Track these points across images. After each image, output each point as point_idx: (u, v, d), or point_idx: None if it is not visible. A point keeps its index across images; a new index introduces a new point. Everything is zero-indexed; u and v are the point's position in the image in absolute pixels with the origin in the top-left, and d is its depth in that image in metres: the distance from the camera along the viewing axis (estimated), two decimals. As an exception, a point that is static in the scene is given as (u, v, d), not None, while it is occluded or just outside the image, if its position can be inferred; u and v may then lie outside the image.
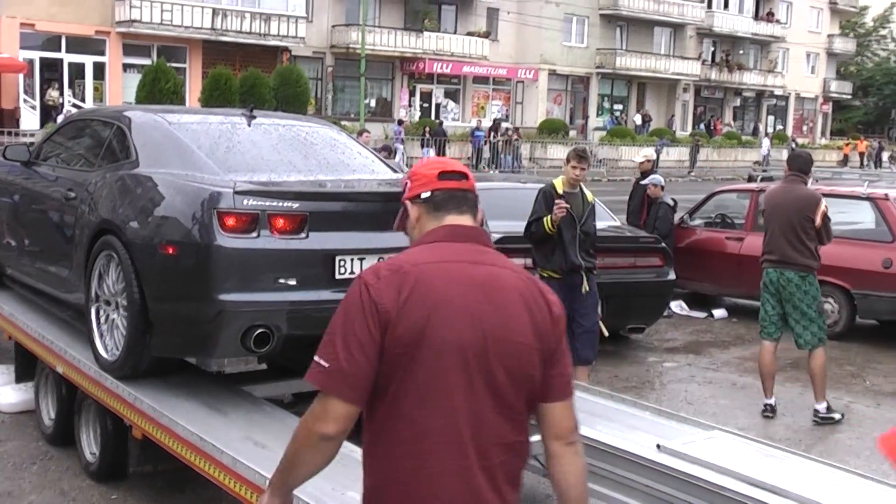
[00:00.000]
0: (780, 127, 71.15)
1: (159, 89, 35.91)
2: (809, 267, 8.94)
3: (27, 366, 8.23)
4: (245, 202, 5.72)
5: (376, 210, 6.20)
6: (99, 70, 41.53)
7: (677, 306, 13.85)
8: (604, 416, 6.21)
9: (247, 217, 5.72)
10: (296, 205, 5.83)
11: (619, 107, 61.14)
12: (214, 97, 36.95)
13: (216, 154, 6.54)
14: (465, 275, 3.05)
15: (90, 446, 7.01)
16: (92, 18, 40.37)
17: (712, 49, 66.48)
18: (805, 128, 74.99)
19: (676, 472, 5.29)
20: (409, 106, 51.58)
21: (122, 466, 6.72)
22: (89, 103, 40.17)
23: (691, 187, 38.31)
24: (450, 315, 2.96)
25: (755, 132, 68.01)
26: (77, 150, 8.26)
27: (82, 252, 6.84)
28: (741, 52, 67.54)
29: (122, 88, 40.94)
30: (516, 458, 3.08)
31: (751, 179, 21.31)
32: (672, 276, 11.17)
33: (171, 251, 5.87)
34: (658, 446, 5.54)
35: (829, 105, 78.42)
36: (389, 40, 48.86)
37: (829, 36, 75.41)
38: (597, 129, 56.68)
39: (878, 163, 61.49)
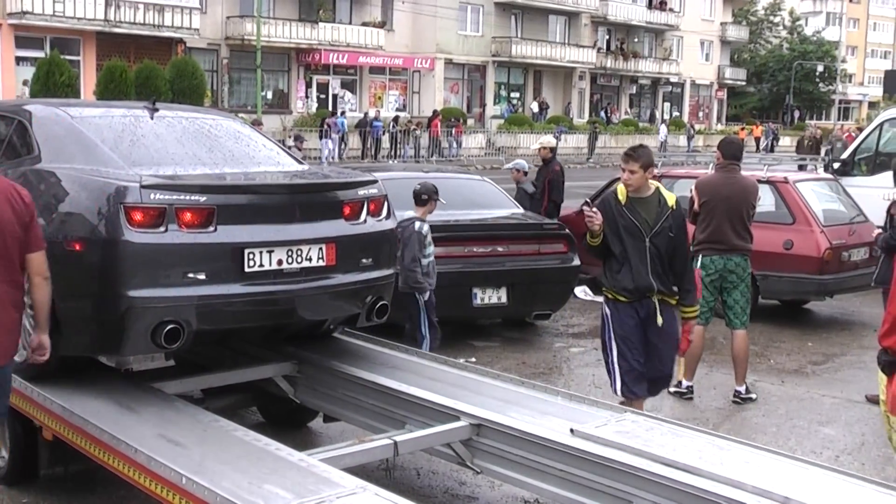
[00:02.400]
0: (676, 114, 72.17)
1: (53, 82, 35.15)
2: (750, 250, 9.29)
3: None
4: (152, 196, 5.67)
5: (284, 202, 6.19)
6: (-10, 63, 40.52)
7: (581, 291, 13.98)
8: (515, 403, 6.26)
9: (154, 211, 5.67)
10: (203, 198, 5.80)
11: (515, 95, 61.44)
12: (110, 90, 36.20)
13: (120, 148, 6.46)
14: None
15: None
16: (-19, 10, 39.40)
17: (607, 37, 67.21)
18: (701, 114, 76.19)
19: (591, 456, 5.38)
20: (306, 97, 51.25)
21: (32, 469, 6.59)
22: (-20, 98, 39.22)
23: (590, 174, 38.94)
24: None
25: (652, 119, 68.95)
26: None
27: None
28: (636, 40, 68.41)
29: (14, 82, 40.00)
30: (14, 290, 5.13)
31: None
32: (576, 261, 11.29)
33: (77, 248, 5.80)
34: (571, 430, 5.62)
35: (724, 91, 79.84)
36: (285, 31, 48.45)
37: (723, 24, 76.71)
38: (494, 117, 56.88)
39: (772, 148, 62.74)
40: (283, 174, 6.87)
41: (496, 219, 11.53)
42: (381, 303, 6.75)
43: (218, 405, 6.87)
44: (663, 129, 58.24)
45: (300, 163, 7.33)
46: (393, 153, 43.81)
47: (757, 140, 64.86)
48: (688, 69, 72.60)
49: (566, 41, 62.46)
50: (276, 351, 7.10)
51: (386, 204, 6.84)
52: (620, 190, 7.13)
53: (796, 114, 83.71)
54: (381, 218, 6.76)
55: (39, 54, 39.35)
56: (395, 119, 46.47)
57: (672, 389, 9.36)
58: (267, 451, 5.21)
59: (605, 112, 64.81)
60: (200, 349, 6.98)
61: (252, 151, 7.13)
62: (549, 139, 16.73)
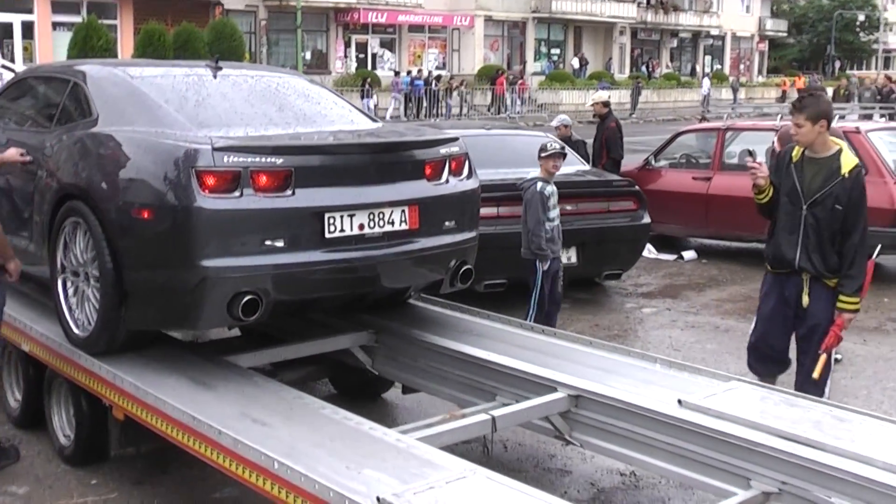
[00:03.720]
0: (717, 67, 71.14)
1: (91, 47, 34.92)
2: None
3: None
4: (225, 159, 5.27)
5: (364, 162, 5.79)
6: (27, 29, 40.28)
7: (646, 249, 13.56)
8: (611, 371, 5.88)
9: (228, 175, 5.28)
10: (280, 160, 5.39)
11: (556, 51, 60.73)
12: (148, 53, 35.91)
13: (185, 109, 6.07)
14: None
15: (63, 428, 6.55)
16: (18, -25, 39.12)
17: (648, -9, 66.28)
18: (742, 67, 75.06)
19: (702, 429, 4.99)
20: (345, 57, 50.81)
21: (100, 449, 6.25)
22: (19, 64, 38.97)
23: (634, 129, 38.13)
24: None
25: (693, 73, 67.98)
26: (29, 110, 7.73)
27: (44, 220, 6.35)
28: (676, -8, 67.45)
29: (52, 47, 39.78)
30: None
31: (703, 120, 21.14)
32: (647, 219, 10.89)
33: (145, 215, 5.41)
34: (679, 401, 5.22)
35: (766, 43, 78.58)
36: (324, -10, 47.99)
37: (763, -26, 75.56)
38: (535, 73, 56.20)
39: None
40: (361, 133, 6.45)
41: (564, 176, 11.05)
42: (465, 267, 6.35)
43: (290, 378, 6.51)
44: (706, 82, 57.23)
45: (374, 120, 6.92)
46: (435, 112, 43.22)
47: (800, 91, 63.74)
48: (728, 21, 71.52)
49: (607, -5, 61.62)
50: (351, 320, 6.73)
51: (468, 162, 6.43)
52: (798, 146, 6.28)
53: (837, 64, 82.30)
54: (462, 177, 6.34)
55: (76, 19, 39.10)
56: (437, 77, 45.85)
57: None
58: (360, 431, 4.83)
59: (647, 67, 63.88)
60: (271, 320, 6.60)
61: (324, 109, 6.72)
62: (601, 94, 16.25)
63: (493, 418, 5.29)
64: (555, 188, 8.47)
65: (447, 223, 6.14)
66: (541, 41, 59.76)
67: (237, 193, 5.28)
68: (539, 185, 8.36)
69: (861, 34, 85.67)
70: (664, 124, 43.90)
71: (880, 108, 20.57)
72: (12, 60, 38.85)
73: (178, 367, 5.81)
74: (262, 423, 4.90)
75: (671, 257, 13.56)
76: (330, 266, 5.57)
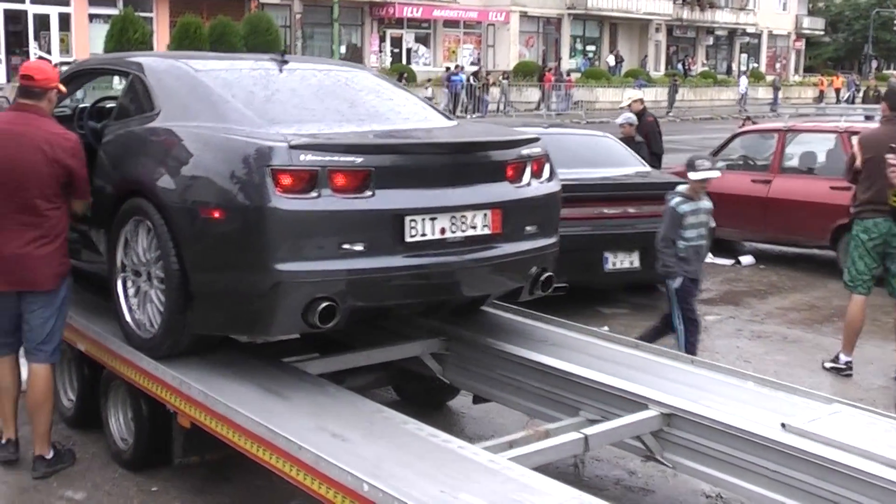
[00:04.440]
0: (753, 65, 70.49)
1: (127, 39, 34.86)
2: None
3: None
4: (302, 157, 4.97)
5: (446, 163, 5.48)
6: (64, 21, 40.26)
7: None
8: (701, 388, 5.56)
9: (305, 174, 4.97)
10: (359, 159, 5.09)
11: (591, 48, 60.33)
12: (184, 46, 35.80)
13: (254, 104, 5.75)
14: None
15: (120, 432, 6.29)
16: (55, -32, 39.06)
17: (683, -13, 65.65)
18: (778, 65, 74.35)
19: (810, 456, 4.66)
20: (380, 52, 50.57)
21: (160, 455, 5.98)
22: (55, 56, 38.94)
23: (671, 128, 37.66)
24: None
25: (728, 71, 67.38)
26: (84, 104, 7.48)
27: (103, 217, 6.08)
28: (712, -11, 66.84)
29: (88, 39, 39.75)
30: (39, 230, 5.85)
31: (748, 120, 20.73)
32: (712, 223, 10.48)
33: (216, 215, 5.11)
34: (783, 425, 4.89)
35: (802, 42, 77.83)
36: (360, -15, 47.73)
37: (800, -29, 74.90)
38: (570, 71, 55.73)
39: (853, 100, 60.95)
40: (440, 131, 6.14)
41: (625, 177, 10.75)
42: (546, 274, 6.04)
43: (355, 385, 6.22)
44: (744, 81, 56.59)
45: (448, 118, 6.59)
46: (474, 108, 42.77)
47: (837, 91, 63.10)
48: (764, 19, 70.87)
49: (643, -8, 61.15)
50: (421, 327, 6.42)
51: (548, 164, 6.12)
52: None
53: (874, 64, 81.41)
54: (543, 179, 6.03)
55: (112, 12, 39.04)
56: (475, 73, 45.43)
57: (828, 365, 8.60)
58: (448, 450, 4.53)
59: (683, 64, 63.32)
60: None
61: (397, 106, 6.40)
62: (635, 92, 15.97)
63: (586, 437, 4.98)
64: (700, 205, 7.86)
65: (529, 228, 5.83)
66: (576, 38, 59.39)
67: (314, 194, 4.98)
68: (675, 200, 7.81)
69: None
70: (701, 123, 43.51)
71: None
72: (49, 52, 38.99)
73: (244, 372, 5.52)
74: (342, 437, 4.61)
75: (728, 262, 13.21)
76: (410, 272, 5.27)
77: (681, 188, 7.93)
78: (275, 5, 45.67)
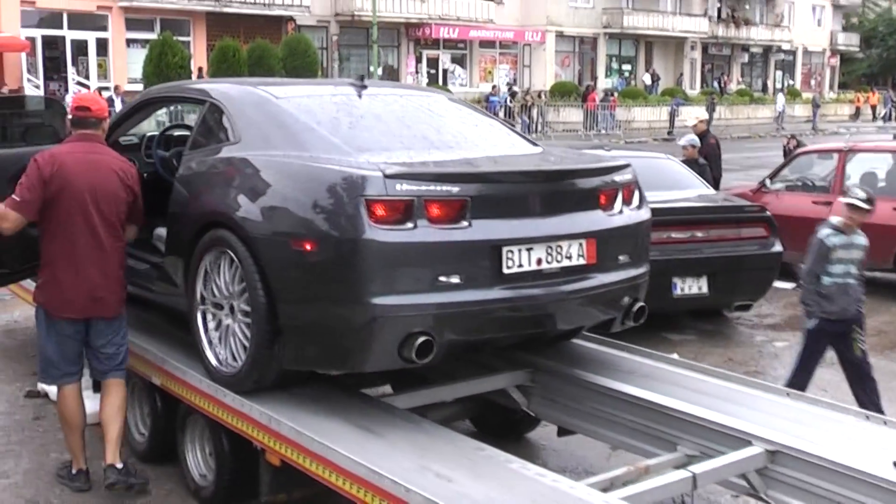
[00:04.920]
0: (789, 82, 70.02)
1: (166, 63, 34.99)
2: None
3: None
4: (398, 187, 4.83)
5: (542, 191, 5.32)
6: (101, 46, 40.35)
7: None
8: (805, 423, 5.39)
9: (400, 205, 4.84)
10: (456, 188, 4.95)
11: (627, 67, 60.05)
12: (222, 70, 35.91)
13: (340, 132, 5.63)
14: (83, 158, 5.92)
15: (199, 467, 6.18)
16: (93, -7, 39.20)
17: (718, 5, 65.19)
18: (813, 82, 73.81)
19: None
20: (416, 73, 50.51)
21: (241, 491, 5.84)
22: (94, 81, 39.14)
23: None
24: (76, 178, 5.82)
25: (764, 89, 66.93)
26: (153, 133, 7.39)
27: (180, 248, 5.96)
28: (747, 6, 66.40)
29: (126, 64, 39.89)
30: (121, 252, 6.12)
31: (793, 139, 20.46)
32: (778, 247, 10.33)
33: (308, 247, 4.97)
34: (895, 464, 4.70)
35: (837, 58, 77.30)
36: (395, 6, 47.60)
37: (835, -13, 74.47)
38: (606, 90, 55.54)
39: (891, 117, 60.42)
40: (531, 158, 6.00)
41: (693, 200, 10.58)
42: (638, 305, 5.88)
43: (438, 417, 6.08)
44: (781, 98, 56.18)
45: (534, 144, 6.44)
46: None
47: (873, 108, 62.63)
48: (799, 36, 70.34)
49: (678, 10, 60.81)
50: (506, 358, 6.27)
51: (638, 190, 5.96)
52: None
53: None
54: (634, 206, 5.87)
55: (150, 36, 39.18)
56: (512, 94, 45.29)
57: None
58: (560, 491, 4.37)
59: (719, 83, 62.97)
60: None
61: (482, 132, 6.27)
62: (701, 112, 15.72)
63: (695, 476, 4.80)
64: (854, 240, 7.38)
65: (622, 257, 5.68)
66: (612, 57, 59.10)
67: (410, 225, 4.85)
68: (825, 231, 7.40)
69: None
70: (739, 142, 43.09)
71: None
72: (87, 77, 39.14)
73: (332, 407, 5.39)
74: (447, 478, 4.46)
75: (789, 286, 12.89)
76: (508, 304, 5.12)
77: (833, 219, 7.43)
78: (311, 27, 45.66)
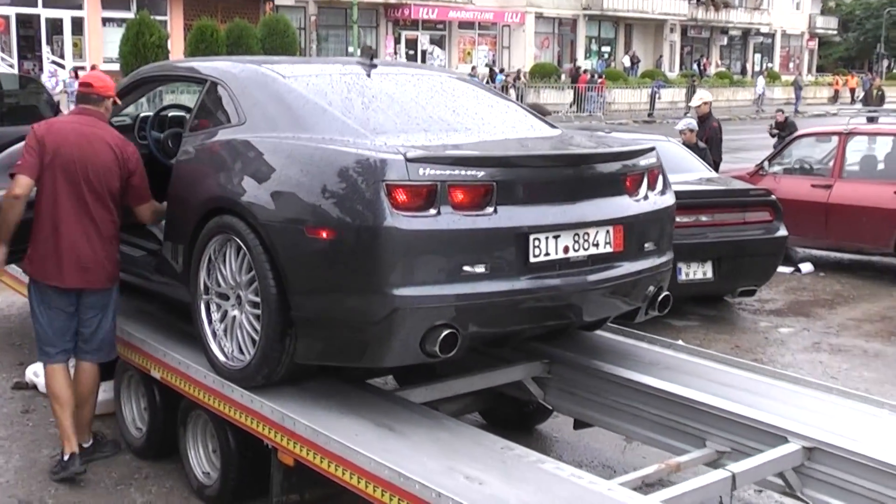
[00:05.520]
0: (768, 65, 69.99)
1: (143, 43, 34.43)
2: None
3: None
4: (421, 171, 4.54)
5: (569, 176, 5.05)
6: (77, 25, 39.85)
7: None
8: (840, 419, 5.14)
9: (423, 190, 4.55)
10: (480, 173, 4.66)
11: (606, 49, 59.86)
12: (200, 50, 35.37)
13: (353, 112, 5.32)
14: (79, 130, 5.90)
15: (201, 465, 5.90)
16: (68, -29, 38.62)
17: (697, -14, 65.25)
18: (791, 65, 73.83)
19: None
20: (395, 54, 50.13)
21: (249, 490, 5.58)
22: (68, 61, 38.62)
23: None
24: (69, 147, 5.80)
25: (743, 72, 66.89)
26: (146, 113, 7.07)
27: (182, 236, 5.65)
28: (726, -12, 66.46)
29: (102, 44, 39.38)
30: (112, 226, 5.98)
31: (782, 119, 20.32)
32: (783, 231, 10.10)
33: (324, 235, 4.67)
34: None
35: (815, 41, 77.36)
36: (374, -14, 47.29)
37: (814, -31, 74.52)
38: (585, 71, 55.27)
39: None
40: (555, 142, 5.73)
41: (697, 184, 10.32)
42: (664, 294, 5.64)
43: (450, 410, 5.85)
44: (761, 81, 56.05)
45: (552, 126, 6.16)
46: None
47: (852, 91, 62.58)
48: (778, 19, 70.41)
49: (657, -8, 60.75)
50: (520, 349, 6.00)
51: (662, 175, 5.71)
52: None
53: (885, 63, 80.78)
54: (658, 192, 5.62)
55: (126, 15, 38.68)
56: (492, 75, 44.94)
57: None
58: (596, 493, 4.12)
59: (699, 65, 62.80)
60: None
61: (500, 114, 5.98)
62: (705, 93, 15.42)
63: (734, 475, 4.55)
64: None
65: (647, 244, 5.43)
66: (591, 38, 58.98)
67: (433, 211, 4.56)
68: None
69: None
70: (721, 124, 42.94)
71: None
72: (62, 57, 38.65)
73: (347, 403, 5.12)
74: (478, 480, 4.20)
75: (788, 270, 12.75)
76: (535, 295, 4.85)
77: None
78: (290, 7, 45.25)
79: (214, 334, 5.46)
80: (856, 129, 12.75)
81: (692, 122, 13.20)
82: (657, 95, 46.82)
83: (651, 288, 5.54)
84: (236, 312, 5.27)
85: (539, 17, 54.79)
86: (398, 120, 5.37)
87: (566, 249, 4.93)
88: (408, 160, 4.53)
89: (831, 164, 12.64)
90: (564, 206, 4.94)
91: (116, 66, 35.12)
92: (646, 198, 5.44)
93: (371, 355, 4.81)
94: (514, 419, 6.77)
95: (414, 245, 4.54)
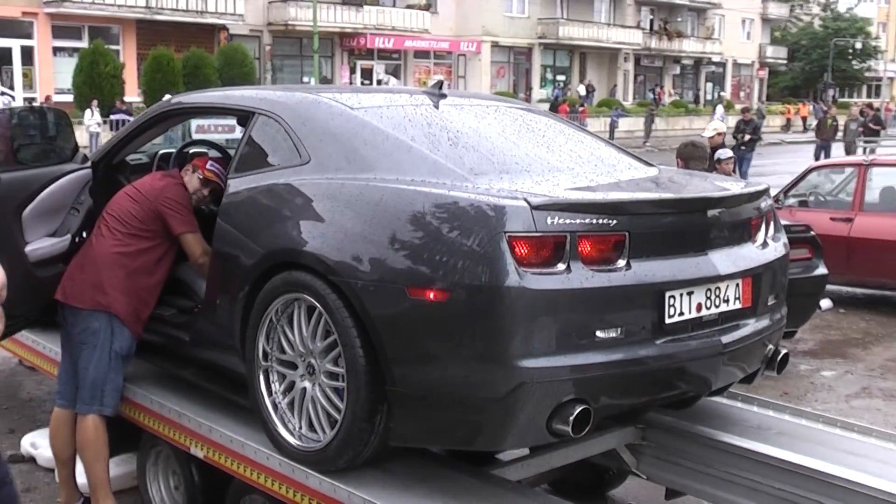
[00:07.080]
0: (721, 93, 70.26)
1: (98, 73, 33.79)
2: None
3: (120, 434, 5.90)
4: (549, 220, 3.88)
5: (701, 223, 4.42)
6: (27, 55, 38.75)
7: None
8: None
9: (551, 242, 3.90)
10: (614, 221, 4.03)
11: (562, 77, 59.67)
12: (157, 80, 34.83)
13: (441, 150, 4.62)
14: None
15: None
16: (18, -1, 37.58)
17: (650, 17, 65.36)
18: (742, 94, 74.22)
19: None
20: (350, 83, 49.50)
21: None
22: (19, 92, 37.58)
23: (651, 158, 36.77)
24: None
25: (696, 100, 67.09)
26: (168, 150, 6.40)
27: (235, 294, 4.90)
28: (679, 19, 66.72)
29: (52, 74, 38.37)
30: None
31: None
32: (823, 269, 9.51)
33: (431, 297, 3.97)
34: None
35: (766, 70, 77.91)
36: (330, 15, 46.59)
37: (764, 1, 74.75)
38: (540, 101, 54.99)
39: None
40: (670, 183, 5.10)
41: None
42: (783, 352, 5.04)
43: (529, 481, 5.22)
44: (720, 109, 55.90)
45: (648, 164, 5.52)
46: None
47: (804, 119, 62.85)
48: (730, 48, 70.84)
49: (612, 21, 60.77)
50: (611, 415, 5.35)
51: (775, 218, 5.13)
52: None
53: (831, 92, 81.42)
54: (774, 237, 5.03)
55: (78, 44, 37.92)
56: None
57: None
58: None
59: (654, 93, 62.87)
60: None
61: (594, 151, 5.31)
62: (719, 124, 14.94)
63: None
64: None
65: (771, 298, 4.83)
66: (546, 67, 58.76)
67: (562, 267, 3.91)
68: None
69: (853, 62, 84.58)
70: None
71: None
72: (11, 87, 37.60)
73: (440, 487, 4.45)
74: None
75: (809, 307, 12.22)
76: (670, 361, 4.21)
77: None
78: (244, 36, 44.48)
79: (276, 407, 4.74)
80: (875, 161, 12.32)
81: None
82: (615, 125, 46.64)
83: (770, 346, 4.93)
84: (307, 384, 4.54)
85: (495, 45, 54.49)
86: (493, 159, 4.69)
87: (699, 307, 4.32)
88: (533, 207, 3.88)
89: (851, 196, 12.17)
90: (697, 257, 4.33)
91: (70, 98, 34.26)
92: (765, 244, 4.86)
93: (488, 437, 4.12)
94: (585, 487, 6.13)
95: (542, 308, 3.88)
